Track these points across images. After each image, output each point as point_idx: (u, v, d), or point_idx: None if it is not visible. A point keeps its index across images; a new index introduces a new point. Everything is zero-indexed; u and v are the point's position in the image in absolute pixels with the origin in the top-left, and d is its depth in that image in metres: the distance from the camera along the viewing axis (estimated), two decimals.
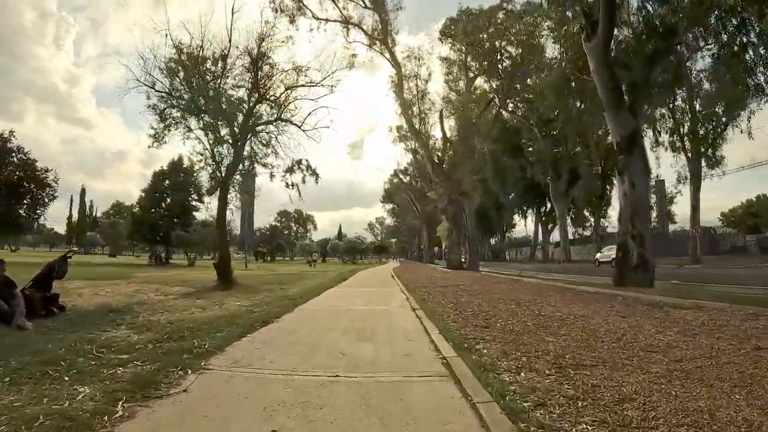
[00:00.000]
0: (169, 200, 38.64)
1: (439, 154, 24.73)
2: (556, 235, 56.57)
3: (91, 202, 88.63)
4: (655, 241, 36.58)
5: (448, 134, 24.22)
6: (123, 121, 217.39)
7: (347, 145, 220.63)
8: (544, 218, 55.28)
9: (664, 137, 28.86)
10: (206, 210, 37.90)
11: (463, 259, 27.52)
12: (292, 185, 14.57)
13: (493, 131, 28.18)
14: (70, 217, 79.77)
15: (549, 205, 55.01)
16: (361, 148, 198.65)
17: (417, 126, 24.48)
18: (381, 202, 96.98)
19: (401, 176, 73.09)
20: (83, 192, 76.24)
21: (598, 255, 33.13)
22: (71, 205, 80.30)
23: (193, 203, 39.85)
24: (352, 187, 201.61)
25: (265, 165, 13.89)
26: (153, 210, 38.36)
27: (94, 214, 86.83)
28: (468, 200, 23.29)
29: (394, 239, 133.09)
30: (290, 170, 14.26)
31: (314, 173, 14.78)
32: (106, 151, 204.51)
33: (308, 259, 68.13)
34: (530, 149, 51.56)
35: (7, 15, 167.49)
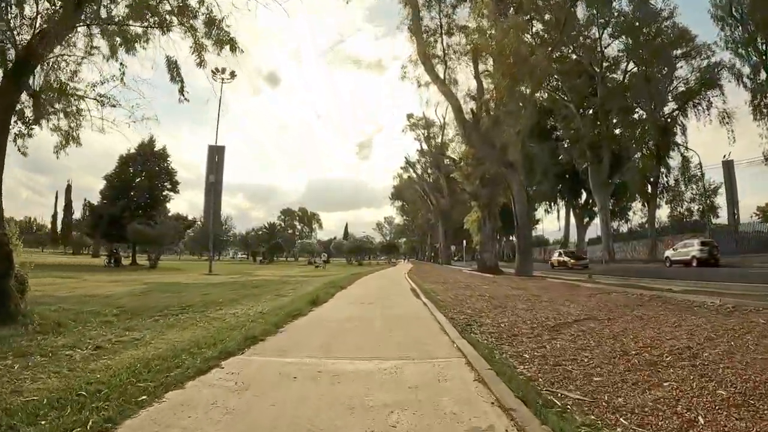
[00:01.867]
0: (135, 190, 32.12)
1: (472, 108, 17.70)
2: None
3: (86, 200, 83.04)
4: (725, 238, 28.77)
5: (485, 85, 17.08)
6: (127, 122, 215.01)
7: (355, 144, 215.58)
8: (578, 211, 47.57)
9: None
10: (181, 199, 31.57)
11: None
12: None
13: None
14: (54, 215, 74.15)
15: (585, 196, 47.42)
16: (369, 148, 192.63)
17: (442, 75, 17.46)
18: (390, 199, 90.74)
19: (411, 170, 66.29)
20: (68, 188, 70.35)
21: (669, 253, 26.47)
22: (56, 202, 75.57)
23: (165, 193, 33.39)
24: (360, 188, 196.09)
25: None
26: (118, 201, 31.86)
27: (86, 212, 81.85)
28: (515, 174, 16.22)
29: (404, 239, 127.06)
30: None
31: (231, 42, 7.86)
32: (112, 152, 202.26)
33: (311, 259, 61.75)
34: (561, 132, 44.29)
35: None
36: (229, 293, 9.96)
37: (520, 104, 14.71)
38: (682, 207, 36.88)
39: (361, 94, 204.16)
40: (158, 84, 8.59)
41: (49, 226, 77.65)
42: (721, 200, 44.81)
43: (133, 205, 31.89)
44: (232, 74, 22.55)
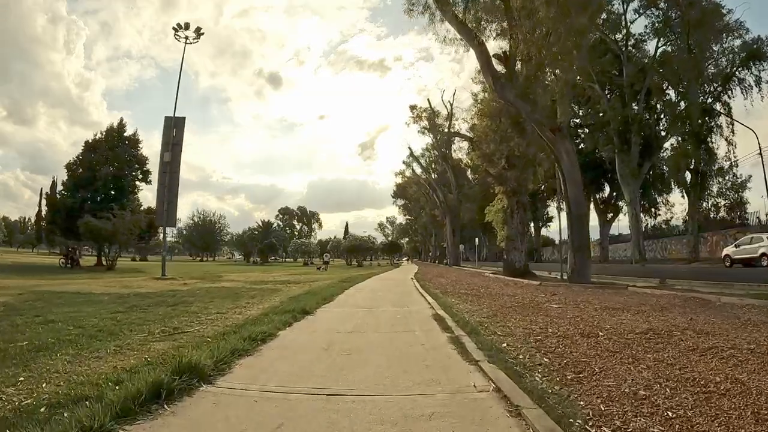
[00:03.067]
0: (99, 180, 27.73)
1: (505, 51, 13.06)
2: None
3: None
4: None
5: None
6: (133, 124, 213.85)
7: (358, 145, 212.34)
8: (601, 206, 42.90)
9: None
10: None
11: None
12: None
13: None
14: (39, 212, 69.90)
15: (608, 190, 42.77)
16: (372, 149, 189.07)
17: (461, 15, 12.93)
18: (392, 197, 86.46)
19: (416, 164, 61.63)
20: (53, 185, 66.10)
21: (729, 250, 22.60)
22: (40, 200, 71.16)
23: (136, 183, 29.10)
24: (363, 188, 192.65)
25: None
26: (78, 192, 27.53)
27: None
28: (564, 142, 11.69)
29: (406, 239, 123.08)
30: None
31: None
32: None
33: (307, 260, 57.35)
34: (582, 118, 39.78)
35: (22, 20, 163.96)
36: (106, 320, 5.55)
37: (572, 41, 10.34)
38: (726, 198, 32.31)
39: (365, 94, 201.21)
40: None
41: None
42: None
43: (96, 196, 27.59)
44: (198, 32, 18.22)
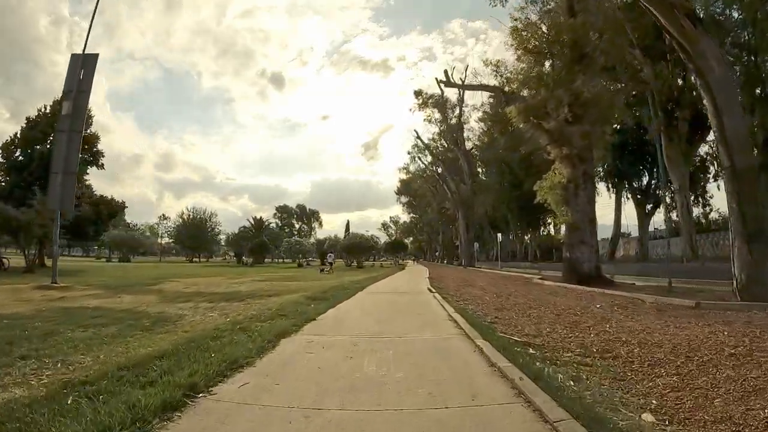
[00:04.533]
0: (36, 161, 22.37)
1: None
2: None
3: None
4: None
5: None
6: (137, 125, 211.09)
7: (361, 145, 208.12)
8: (639, 196, 36.97)
9: None
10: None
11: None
12: None
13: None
14: None
15: (646, 178, 36.84)
16: (376, 149, 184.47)
17: None
18: (396, 194, 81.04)
19: (420, 158, 55.86)
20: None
21: None
22: None
23: (83, 166, 23.72)
24: (367, 188, 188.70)
25: None
26: (10, 176, 22.16)
27: None
28: (709, 45, 6.18)
29: (410, 238, 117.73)
30: None
31: None
32: (122, 156, 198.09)
33: (300, 261, 51.76)
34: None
35: (25, 21, 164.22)
36: None
37: None
38: None
39: (368, 94, 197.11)
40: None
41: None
42: None
43: (32, 180, 22.23)
44: None
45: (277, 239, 59.52)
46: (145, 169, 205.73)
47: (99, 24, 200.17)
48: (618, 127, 31.73)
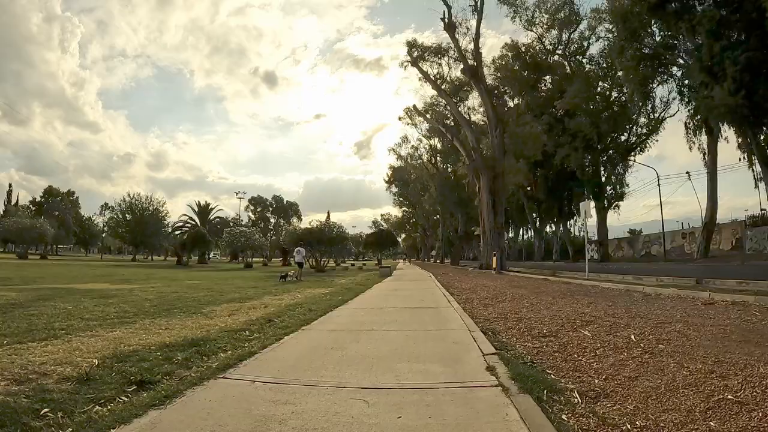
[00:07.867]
0: None
1: None
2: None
3: None
4: None
5: None
6: (129, 124, 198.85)
7: (354, 144, 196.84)
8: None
9: None
10: None
11: None
12: None
13: None
14: None
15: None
16: (368, 148, 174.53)
17: None
18: (386, 183, 69.01)
19: (417, 124, 43.88)
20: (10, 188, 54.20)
21: None
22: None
23: None
24: (359, 188, 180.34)
25: None
26: None
27: None
28: None
29: (403, 235, 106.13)
30: None
31: None
32: (114, 154, 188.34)
33: (246, 261, 39.07)
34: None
35: (16, 19, 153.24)
36: None
37: None
38: None
39: (361, 93, 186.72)
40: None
41: None
42: None
43: None
44: None
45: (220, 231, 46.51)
46: (137, 168, 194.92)
47: (91, 21, 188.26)
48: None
